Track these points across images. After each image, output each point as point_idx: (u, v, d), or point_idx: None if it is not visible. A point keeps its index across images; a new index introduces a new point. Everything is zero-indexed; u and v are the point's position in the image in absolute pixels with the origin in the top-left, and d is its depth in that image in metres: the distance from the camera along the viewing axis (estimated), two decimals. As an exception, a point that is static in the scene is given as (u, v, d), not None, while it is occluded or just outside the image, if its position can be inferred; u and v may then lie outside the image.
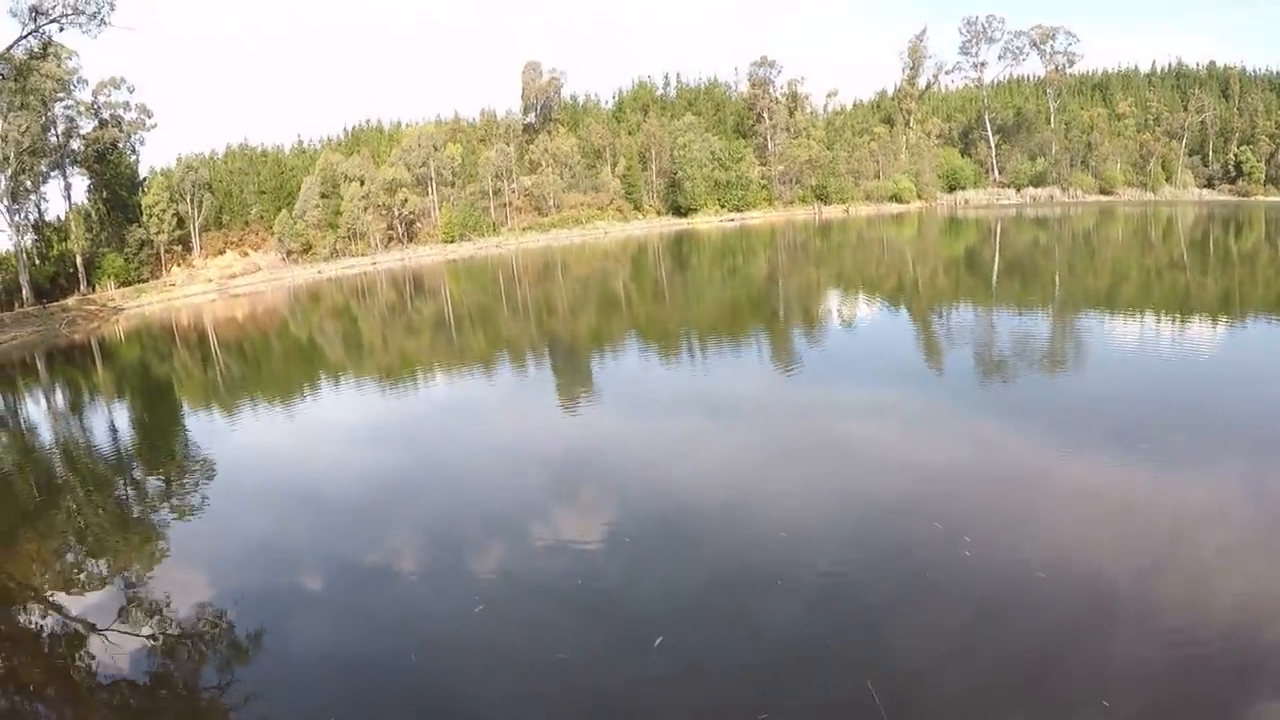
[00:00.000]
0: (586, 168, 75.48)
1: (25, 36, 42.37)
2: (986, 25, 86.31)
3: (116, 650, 8.63)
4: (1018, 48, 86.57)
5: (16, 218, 52.95)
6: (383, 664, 7.86)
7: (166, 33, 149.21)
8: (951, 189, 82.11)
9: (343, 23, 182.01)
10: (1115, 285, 29.73)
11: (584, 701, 7.09)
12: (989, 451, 12.53)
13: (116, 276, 55.57)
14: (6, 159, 50.59)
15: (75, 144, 58.01)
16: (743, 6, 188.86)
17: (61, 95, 54.70)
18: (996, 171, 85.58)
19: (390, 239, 67.59)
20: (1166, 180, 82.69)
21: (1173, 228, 53.35)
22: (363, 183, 65.34)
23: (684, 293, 36.04)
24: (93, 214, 59.45)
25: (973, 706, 6.54)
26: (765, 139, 79.94)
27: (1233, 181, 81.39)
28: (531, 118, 78.54)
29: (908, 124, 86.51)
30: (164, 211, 59.23)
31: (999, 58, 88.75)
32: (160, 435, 19.83)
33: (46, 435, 20.91)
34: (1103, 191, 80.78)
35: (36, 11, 41.09)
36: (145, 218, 58.88)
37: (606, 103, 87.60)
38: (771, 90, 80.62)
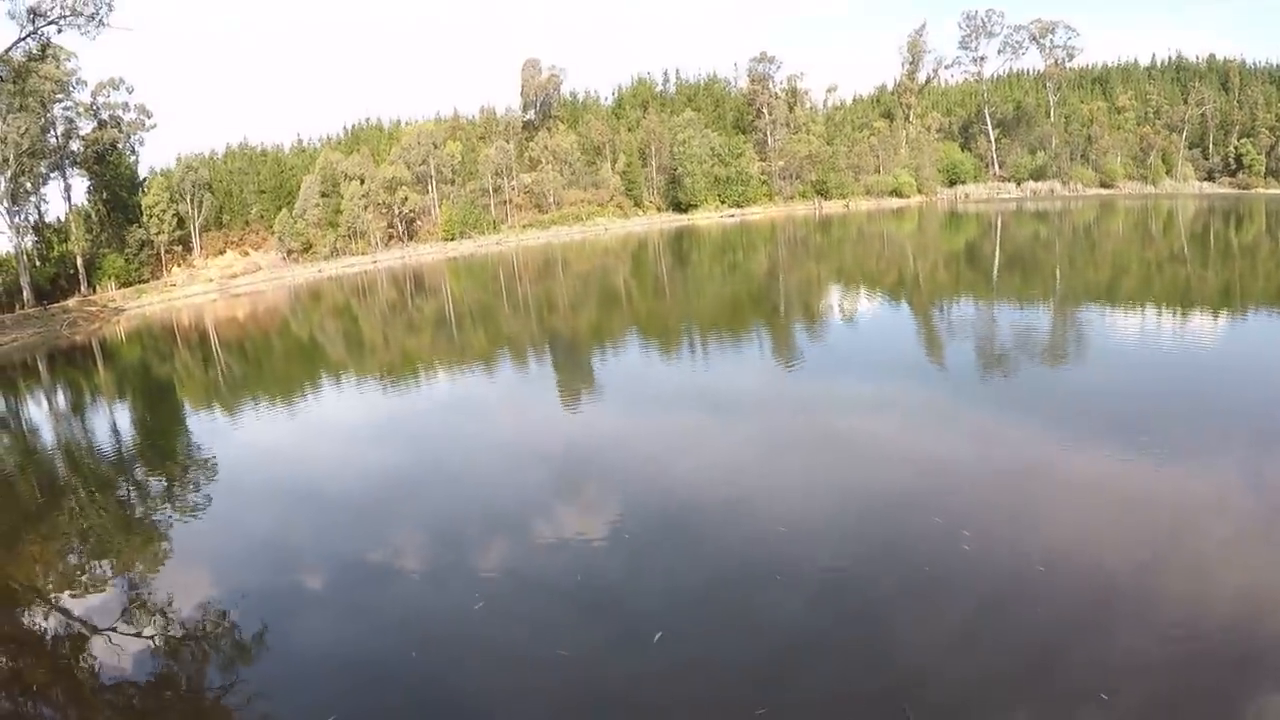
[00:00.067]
0: (586, 164, 75.45)
1: (24, 38, 42.39)
2: (986, 20, 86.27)
3: (120, 651, 8.65)
4: (1017, 42, 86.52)
5: (16, 219, 53.00)
6: (384, 661, 7.88)
7: (165, 33, 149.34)
8: (951, 183, 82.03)
9: (342, 21, 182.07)
10: (1116, 279, 29.70)
11: (584, 697, 7.10)
12: (988, 445, 12.52)
13: (117, 277, 55.64)
14: (6, 161, 50.62)
15: (75, 145, 58.07)
16: (742, 2, 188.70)
17: (60, 96, 54.75)
18: (996, 166, 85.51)
19: (390, 237, 67.62)
20: (1167, 173, 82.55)
21: (1173, 221, 53.28)
22: (363, 181, 65.37)
23: (685, 289, 36.04)
24: (93, 215, 59.49)
25: (973, 699, 6.55)
26: (765, 134, 79.88)
27: (1233, 174, 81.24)
28: (531, 115, 78.49)
29: (907, 119, 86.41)
30: (164, 212, 59.27)
31: (998, 52, 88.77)
32: (162, 435, 19.86)
33: (49, 436, 20.94)
34: (1103, 185, 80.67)
35: (35, 13, 41.11)
36: (145, 218, 58.93)
37: (606, 99, 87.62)
38: (771, 86, 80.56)
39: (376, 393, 21.28)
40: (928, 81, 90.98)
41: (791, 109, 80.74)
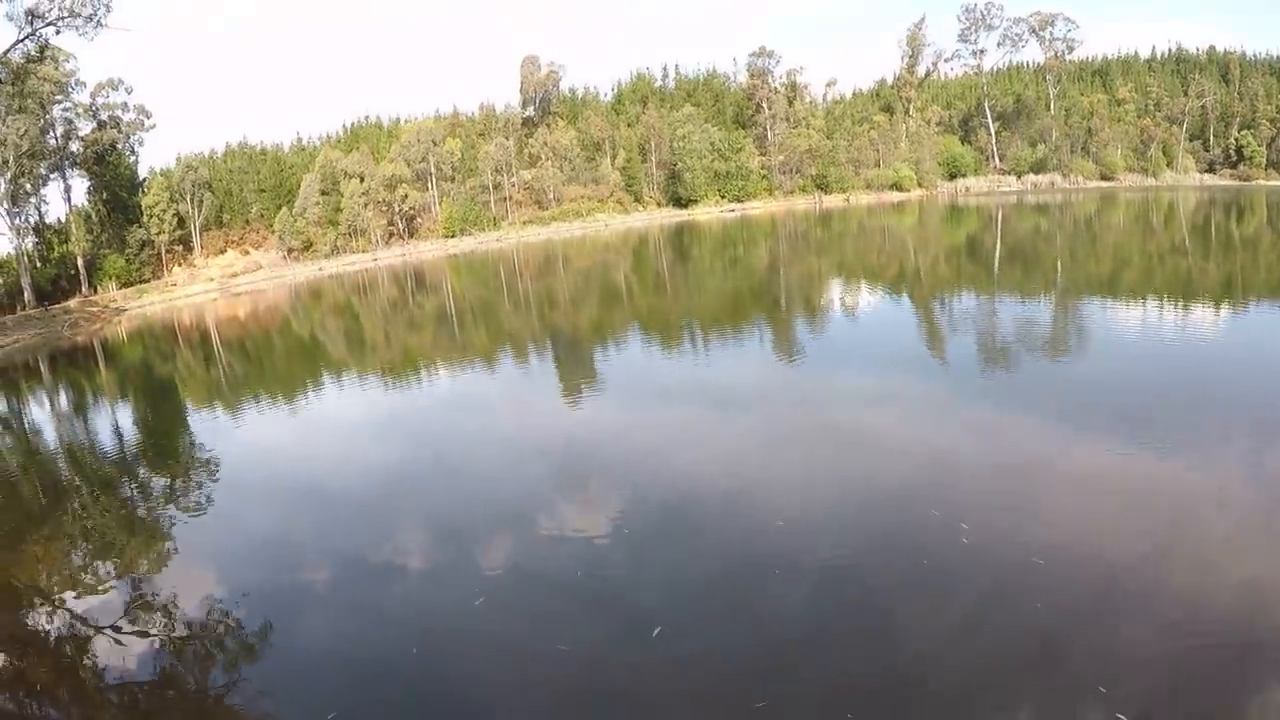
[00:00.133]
0: (586, 160, 75.39)
1: (22, 40, 42.39)
2: (985, 12, 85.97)
3: (123, 649, 8.68)
4: (1017, 34, 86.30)
5: (17, 221, 53.03)
6: (384, 658, 7.91)
7: (163, 33, 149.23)
8: (952, 176, 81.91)
9: (340, 20, 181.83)
10: (1117, 271, 29.66)
11: (584, 691, 7.14)
12: (987, 438, 12.53)
13: (118, 277, 55.69)
14: (6, 162, 50.65)
15: (74, 146, 58.08)
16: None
17: (59, 98, 54.77)
18: (997, 159, 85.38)
19: (391, 235, 67.64)
20: (1167, 165, 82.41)
21: (1174, 213, 53.19)
22: (362, 179, 65.37)
23: (685, 284, 36.03)
24: (93, 215, 59.52)
25: (972, 692, 6.57)
26: (765, 129, 79.78)
27: (1234, 166, 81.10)
28: (530, 111, 78.41)
29: (907, 112, 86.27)
30: (164, 211, 59.29)
31: (998, 45, 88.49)
32: (164, 435, 19.89)
33: (51, 437, 20.98)
34: (1104, 177, 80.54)
35: (32, 15, 41.11)
36: (146, 218, 58.96)
37: (605, 95, 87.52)
38: (770, 80, 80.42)
39: (378, 390, 21.31)
40: (927, 75, 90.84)
41: (791, 103, 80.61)
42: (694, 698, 6.83)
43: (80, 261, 54.13)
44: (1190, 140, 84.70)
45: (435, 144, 70.03)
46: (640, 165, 76.36)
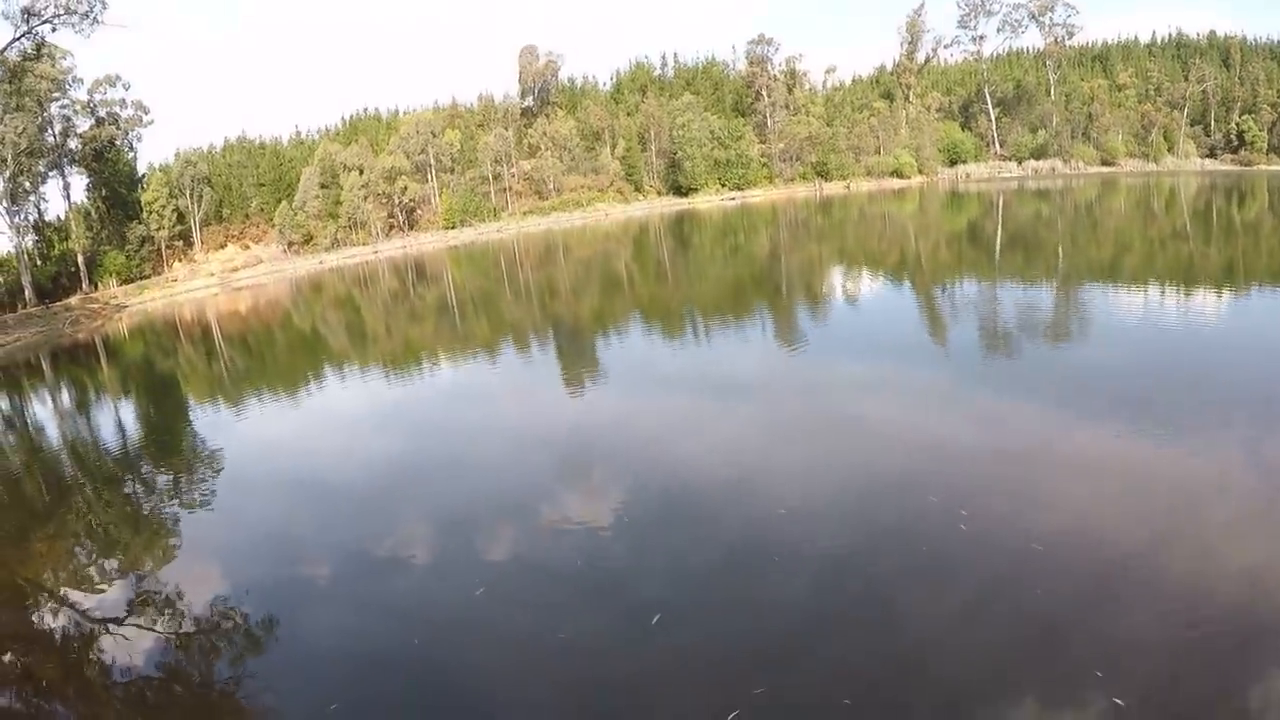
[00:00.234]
0: (586, 150, 75.19)
1: (18, 38, 42.33)
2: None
3: (129, 645, 8.73)
4: (1016, 20, 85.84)
5: (16, 219, 52.94)
6: (386, 649, 7.97)
7: (160, 28, 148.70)
8: (952, 163, 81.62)
9: (338, 12, 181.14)
10: (1118, 257, 29.60)
11: (583, 679, 7.19)
12: (987, 425, 12.54)
13: (118, 274, 55.64)
14: (4, 161, 50.53)
15: (73, 143, 57.91)
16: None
17: (57, 95, 54.54)
18: (997, 145, 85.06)
19: (391, 227, 67.56)
20: (1168, 150, 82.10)
21: (1175, 198, 53.03)
22: (362, 172, 65.25)
23: (686, 272, 36.01)
24: (92, 212, 59.43)
25: (969, 676, 6.61)
26: (764, 117, 79.51)
27: (1235, 151, 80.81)
28: (529, 101, 78.20)
29: (907, 99, 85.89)
30: (164, 207, 59.20)
31: (997, 30, 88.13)
32: (167, 431, 19.94)
33: (55, 434, 21.01)
34: (1104, 163, 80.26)
35: (28, 13, 41.09)
36: (145, 214, 58.85)
37: (604, 84, 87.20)
38: (770, 68, 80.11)
39: (379, 382, 21.35)
40: (927, 61, 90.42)
41: (790, 91, 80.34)
42: (693, 684, 6.87)
43: (80, 259, 54.06)
44: (1191, 125, 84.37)
45: (434, 135, 69.87)
46: (640, 154, 76.16)
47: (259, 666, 8.03)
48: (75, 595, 10.40)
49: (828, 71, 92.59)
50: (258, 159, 72.09)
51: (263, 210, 68.46)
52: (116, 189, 59.99)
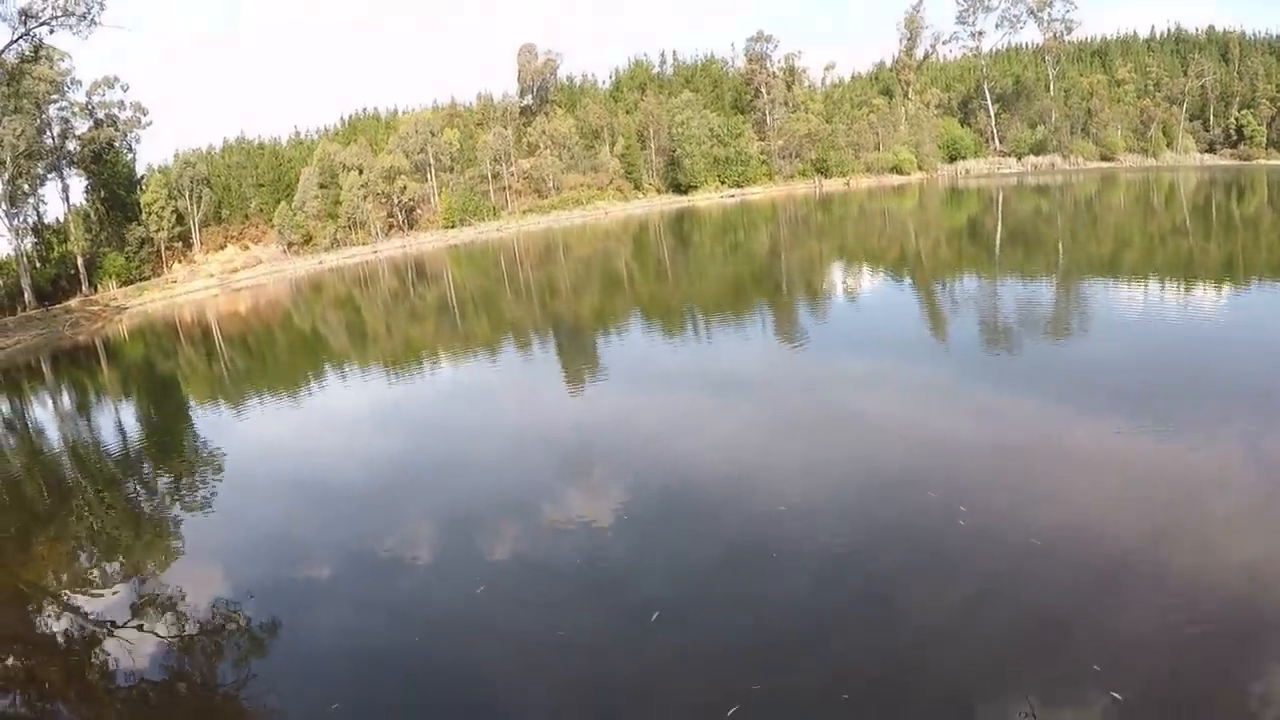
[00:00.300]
0: (585, 148, 75.15)
1: (16, 40, 42.31)
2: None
3: (131, 648, 8.74)
4: (1015, 16, 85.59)
5: (15, 221, 52.93)
6: (387, 648, 7.99)
7: (158, 29, 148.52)
8: (952, 159, 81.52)
9: (336, 11, 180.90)
10: (1118, 252, 29.58)
11: (582, 676, 7.21)
12: (986, 420, 12.55)
13: (118, 276, 55.63)
14: (3, 163, 50.54)
15: (71, 145, 57.88)
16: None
17: (55, 97, 54.50)
18: (997, 140, 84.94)
19: (391, 227, 67.56)
20: (1168, 145, 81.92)
21: (1175, 193, 52.97)
22: (361, 171, 65.24)
23: (686, 270, 36.01)
24: (91, 214, 59.35)
25: (968, 671, 6.62)
26: (764, 114, 79.42)
27: (1234, 146, 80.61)
28: (528, 100, 78.12)
29: (906, 95, 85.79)
30: (163, 209, 59.16)
31: (996, 26, 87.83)
32: (168, 432, 19.95)
33: (56, 437, 21.01)
34: (1104, 158, 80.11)
35: (26, 15, 41.06)
36: (144, 216, 58.81)
37: (603, 82, 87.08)
38: (768, 65, 80.00)
39: (380, 382, 21.37)
40: (926, 57, 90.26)
41: (790, 88, 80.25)
42: (693, 681, 6.89)
43: (80, 261, 54.04)
44: (1190, 120, 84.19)
45: (433, 135, 69.86)
46: (639, 152, 76.11)
47: (260, 667, 8.05)
48: (77, 598, 10.42)
49: (827, 68, 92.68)
50: (257, 159, 72.08)
51: (262, 211, 68.46)
52: (115, 191, 59.97)
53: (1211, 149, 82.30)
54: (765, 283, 30.52)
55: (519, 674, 7.35)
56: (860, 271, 30.66)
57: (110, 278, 55.05)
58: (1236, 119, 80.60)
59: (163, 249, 60.53)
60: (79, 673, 8.65)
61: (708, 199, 72.46)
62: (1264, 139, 78.41)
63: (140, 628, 9.16)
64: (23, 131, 50.23)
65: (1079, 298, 21.32)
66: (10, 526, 13.68)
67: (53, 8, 40.84)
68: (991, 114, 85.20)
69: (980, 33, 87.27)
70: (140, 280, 56.70)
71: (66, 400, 26.55)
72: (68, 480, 16.67)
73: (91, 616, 9.68)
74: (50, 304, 50.13)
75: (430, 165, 69.51)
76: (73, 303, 50.54)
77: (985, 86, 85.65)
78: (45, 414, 24.82)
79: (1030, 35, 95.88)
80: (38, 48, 45.84)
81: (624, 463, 12.48)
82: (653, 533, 9.78)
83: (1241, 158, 77.71)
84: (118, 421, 21.98)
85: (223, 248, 65.71)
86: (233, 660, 8.30)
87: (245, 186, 69.88)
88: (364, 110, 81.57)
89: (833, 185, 75.82)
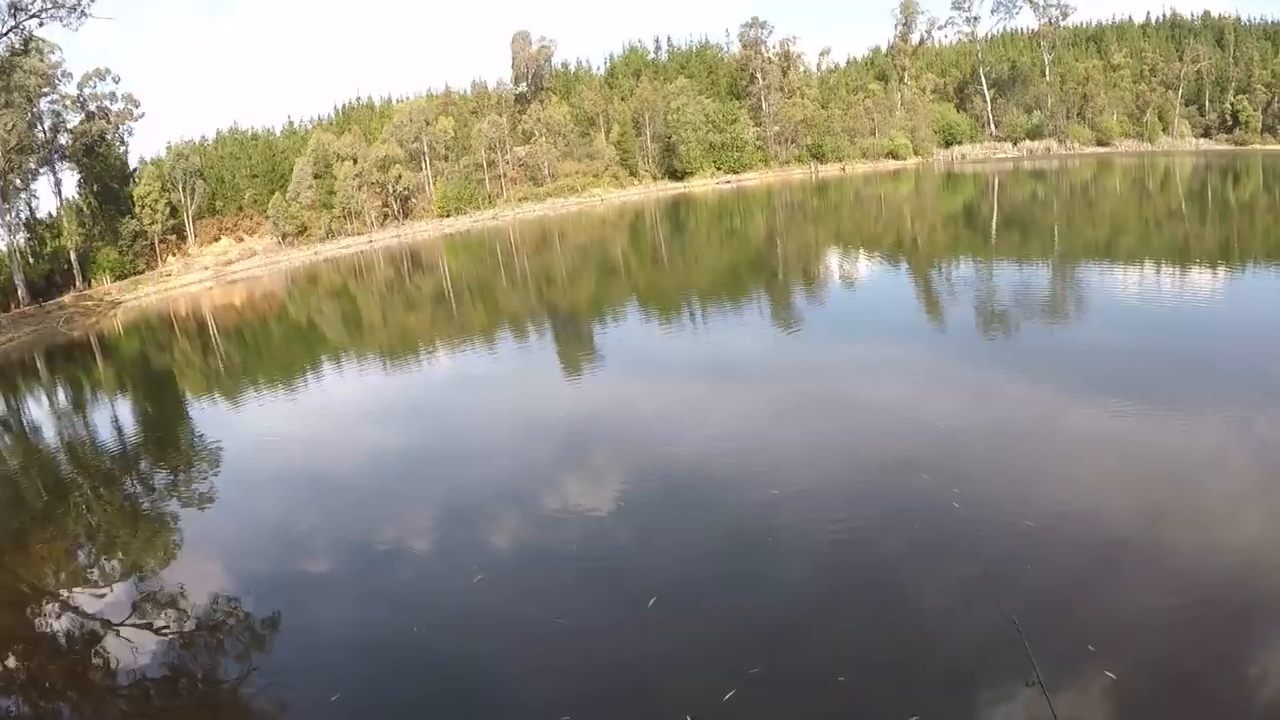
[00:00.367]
0: (580, 135, 74.89)
1: (5, 34, 41.98)
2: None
3: (132, 644, 8.75)
4: (1010, 1, 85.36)
5: (8, 217, 52.62)
6: (386, 637, 8.02)
7: (148, 18, 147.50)
8: (948, 144, 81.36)
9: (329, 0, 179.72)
10: (1114, 237, 29.59)
11: (581, 660, 7.26)
12: (979, 403, 12.59)
13: (112, 270, 55.31)
14: (-6, 159, 50.22)
15: (63, 139, 57.44)
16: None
17: (46, 90, 54.01)
18: (992, 125, 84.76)
19: (385, 216, 67.29)
20: (1163, 131, 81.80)
21: (1170, 178, 52.97)
22: (355, 161, 64.91)
23: (682, 257, 35.98)
24: (84, 208, 58.99)
25: (962, 650, 6.67)
26: (759, 99, 79.14)
27: (1229, 131, 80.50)
28: (523, 87, 77.80)
29: (902, 80, 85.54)
30: (156, 201, 58.79)
31: (992, 11, 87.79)
32: (164, 427, 19.92)
33: (52, 435, 20.93)
34: (1100, 143, 80.00)
35: (15, 8, 40.69)
36: (138, 209, 58.44)
37: (598, 69, 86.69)
38: (764, 50, 79.69)
39: (376, 373, 21.37)
40: (921, 42, 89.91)
41: (785, 73, 79.89)
42: (691, 665, 6.94)
43: (73, 255, 53.68)
44: (1186, 105, 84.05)
45: (428, 123, 69.51)
46: (634, 139, 75.82)
47: (261, 660, 8.09)
48: (76, 595, 10.42)
49: (822, 54, 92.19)
50: (250, 150, 71.70)
51: (256, 202, 68.11)
52: (108, 184, 59.60)
53: (1207, 134, 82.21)
54: (761, 269, 30.51)
55: (517, 661, 7.38)
56: (856, 257, 30.64)
57: (104, 272, 54.75)
58: (1232, 104, 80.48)
59: (156, 242, 60.24)
60: (80, 671, 8.65)
61: (703, 185, 72.27)
62: (1259, 124, 78.36)
63: (141, 624, 9.17)
64: (14, 126, 49.84)
65: (1074, 282, 21.34)
66: (9, 525, 13.65)
67: (42, 0, 40.49)
68: (987, 99, 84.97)
69: (975, 18, 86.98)
70: (134, 274, 56.42)
71: (62, 397, 26.47)
72: (65, 478, 16.66)
73: (91, 614, 9.68)
74: (44, 300, 49.86)
75: (425, 154, 69.21)
76: (66, 298, 50.26)
77: (981, 72, 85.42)
78: (41, 412, 24.73)
79: (1025, 20, 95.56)
80: (28, 41, 45.46)
81: (619, 449, 12.51)
82: (649, 518, 9.81)
83: (1237, 143, 77.64)
84: (114, 418, 21.93)
85: (217, 240, 65.47)
86: (233, 654, 8.33)
87: (239, 178, 69.52)
88: (358, 99, 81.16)
89: (829, 171, 75.67)
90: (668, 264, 34.33)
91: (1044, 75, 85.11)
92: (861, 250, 32.08)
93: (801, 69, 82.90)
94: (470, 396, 17.57)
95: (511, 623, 7.92)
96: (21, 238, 54.47)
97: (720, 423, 12.98)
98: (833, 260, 30.37)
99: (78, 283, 53.12)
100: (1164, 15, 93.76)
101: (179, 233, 63.10)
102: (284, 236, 63.93)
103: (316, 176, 65.59)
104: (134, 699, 7.93)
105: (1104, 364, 13.45)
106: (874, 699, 6.34)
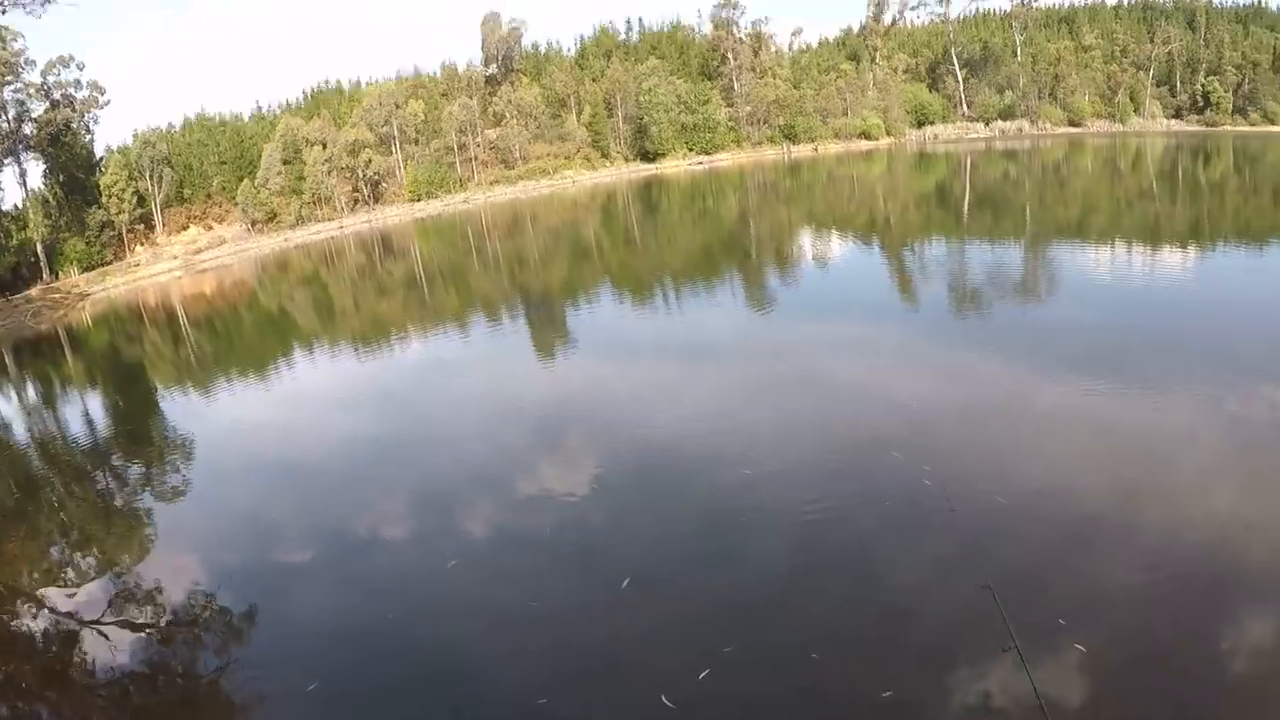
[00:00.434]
0: (551, 117, 74.35)
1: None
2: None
3: (109, 641, 8.67)
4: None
5: (-29, 211, 51.53)
6: (362, 625, 8.01)
7: (114, 5, 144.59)
8: (920, 124, 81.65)
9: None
10: (1085, 216, 29.87)
11: (556, 642, 7.30)
12: (950, 382, 12.72)
13: (79, 261, 54.28)
14: (-43, 151, 49.06)
15: (27, 128, 56.10)
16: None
17: (10, 79, 52.80)
18: (965, 106, 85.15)
19: (356, 201, 66.57)
20: (1135, 111, 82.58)
21: (1142, 158, 53.50)
22: (325, 146, 64.10)
23: (655, 238, 35.94)
24: (50, 199, 57.80)
25: (933, 626, 6.76)
26: (731, 80, 78.93)
27: (1200, 112, 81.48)
28: (493, 69, 77.10)
29: (874, 61, 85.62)
30: (124, 191, 57.74)
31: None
32: (136, 420, 19.64)
33: (22, 431, 20.54)
34: (1071, 123, 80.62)
35: (-24, -4, 39.70)
36: (105, 198, 57.35)
37: (569, 50, 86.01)
38: (735, 31, 79.46)
39: (348, 360, 21.19)
40: (893, 23, 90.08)
41: (757, 54, 79.70)
42: (665, 645, 7.00)
43: (40, 248, 52.50)
44: (1157, 86, 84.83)
45: (398, 106, 68.74)
46: (606, 120, 75.41)
47: (238, 652, 8.06)
48: (50, 593, 10.28)
49: (794, 34, 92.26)
50: (218, 137, 70.54)
51: (225, 189, 67.10)
52: (74, 173, 58.43)
53: (1178, 115, 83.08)
54: (734, 250, 30.54)
55: (493, 645, 7.40)
56: (829, 237, 30.75)
57: (72, 264, 53.72)
58: (1203, 85, 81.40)
59: (124, 232, 59.20)
60: (58, 669, 8.56)
61: (676, 166, 72.10)
62: (1229, 105, 79.37)
63: (117, 620, 9.09)
64: (-23, 117, 48.71)
65: (1046, 261, 21.54)
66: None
67: (4, -13, 39.53)
68: (959, 79, 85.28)
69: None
70: (102, 265, 55.42)
71: (31, 393, 26.04)
72: (36, 474, 16.41)
73: (67, 611, 9.57)
74: (10, 294, 48.88)
75: (395, 138, 68.49)
76: (33, 291, 49.28)
77: (953, 52, 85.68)
78: (10, 408, 24.29)
79: (998, 1, 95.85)
80: (-11, 29, 44.43)
81: (593, 432, 12.53)
82: (622, 500, 9.85)
83: (1207, 124, 78.61)
84: (85, 412, 21.59)
85: (185, 228, 64.45)
86: (211, 647, 8.29)
87: (207, 165, 68.42)
88: (326, 83, 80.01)
89: (801, 151, 75.69)
90: (640, 245, 34.27)
91: (1016, 56, 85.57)
92: (834, 230, 32.19)
93: (773, 49, 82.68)
94: (443, 381, 17.49)
95: (486, 607, 7.93)
96: (-13, 232, 53.28)
97: (693, 403, 13.02)
98: (805, 240, 30.44)
99: (45, 275, 52.05)
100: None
101: (147, 222, 62.05)
102: (253, 224, 63.09)
103: (285, 162, 64.70)
104: (112, 697, 7.89)
105: (1075, 342, 13.61)
106: (848, 675, 6.43)
